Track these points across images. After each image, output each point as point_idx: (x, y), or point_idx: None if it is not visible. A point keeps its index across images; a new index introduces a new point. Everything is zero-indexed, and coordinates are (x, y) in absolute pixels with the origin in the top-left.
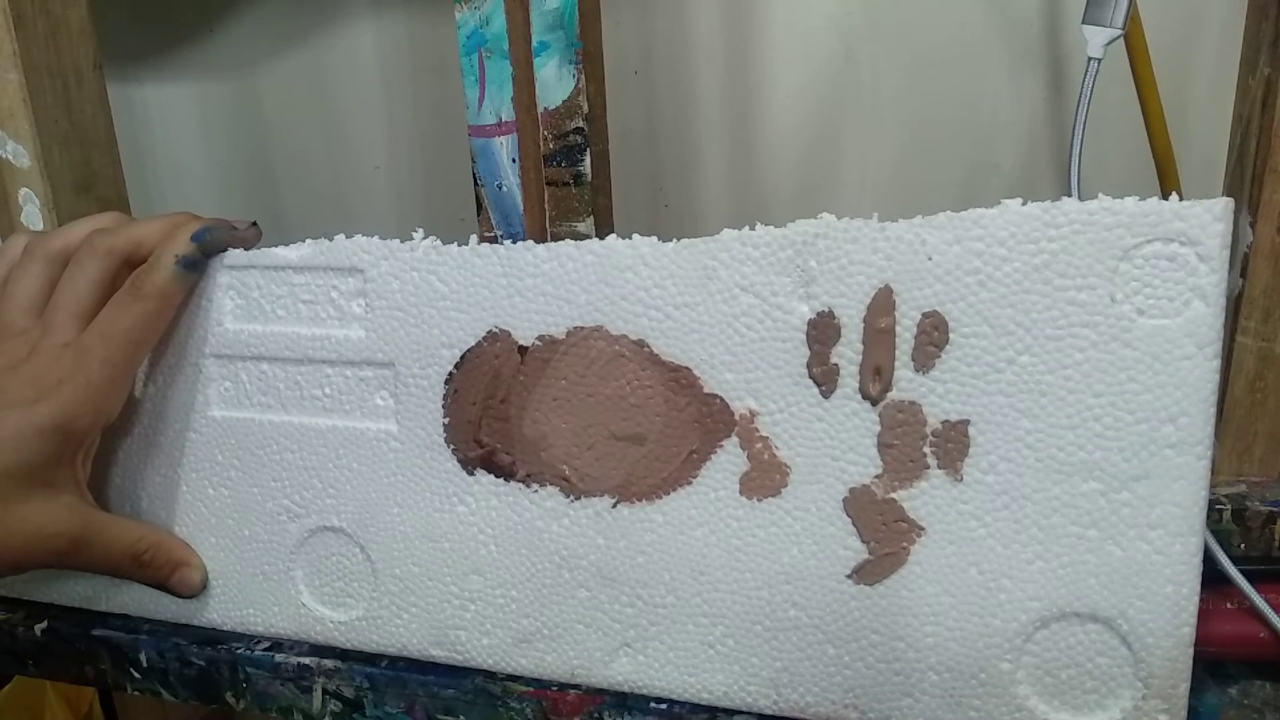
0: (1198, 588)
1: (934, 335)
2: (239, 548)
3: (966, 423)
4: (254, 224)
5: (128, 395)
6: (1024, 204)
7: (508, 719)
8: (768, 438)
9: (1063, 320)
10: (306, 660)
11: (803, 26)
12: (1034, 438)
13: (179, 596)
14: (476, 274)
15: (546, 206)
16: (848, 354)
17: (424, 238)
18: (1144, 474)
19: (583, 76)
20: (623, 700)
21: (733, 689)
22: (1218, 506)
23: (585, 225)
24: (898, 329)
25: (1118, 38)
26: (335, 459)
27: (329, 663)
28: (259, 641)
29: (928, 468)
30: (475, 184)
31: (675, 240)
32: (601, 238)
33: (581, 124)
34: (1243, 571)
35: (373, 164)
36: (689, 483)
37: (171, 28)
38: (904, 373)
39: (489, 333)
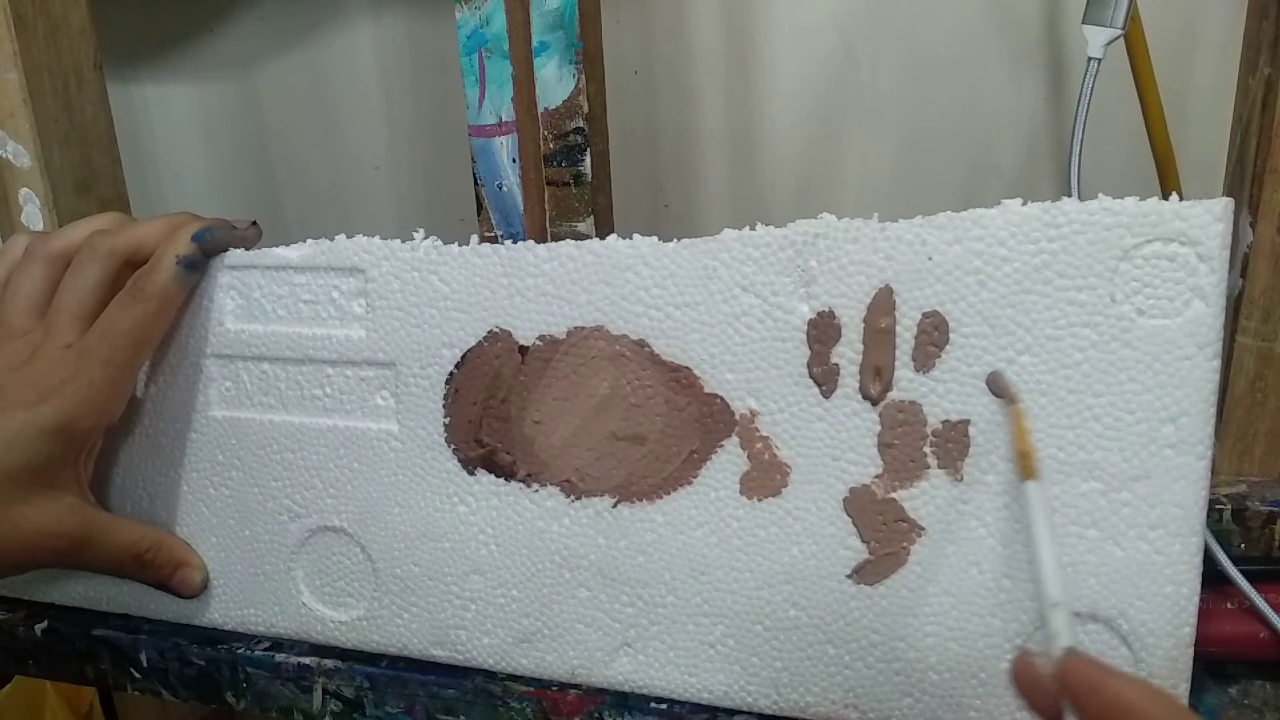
0: (1198, 588)
1: (934, 335)
2: (240, 547)
3: (967, 422)
4: (254, 223)
5: (130, 396)
6: (1024, 204)
7: (508, 719)
8: (768, 437)
9: (1063, 320)
10: (307, 660)
11: (803, 26)
12: (1034, 437)
13: (180, 596)
14: (477, 274)
15: (546, 206)
16: (848, 354)
17: (424, 238)
18: (1144, 474)
19: (583, 76)
20: (623, 700)
21: (733, 689)
22: (1218, 506)
23: (585, 225)
24: (898, 329)
25: (1118, 38)
26: (336, 459)
27: (329, 663)
28: (259, 641)
29: (928, 468)
30: (475, 184)
31: (676, 240)
32: (602, 238)
33: (581, 124)
34: (1243, 571)
35: (372, 164)
36: (689, 482)
37: (171, 28)
38: (904, 373)
39: (490, 332)
